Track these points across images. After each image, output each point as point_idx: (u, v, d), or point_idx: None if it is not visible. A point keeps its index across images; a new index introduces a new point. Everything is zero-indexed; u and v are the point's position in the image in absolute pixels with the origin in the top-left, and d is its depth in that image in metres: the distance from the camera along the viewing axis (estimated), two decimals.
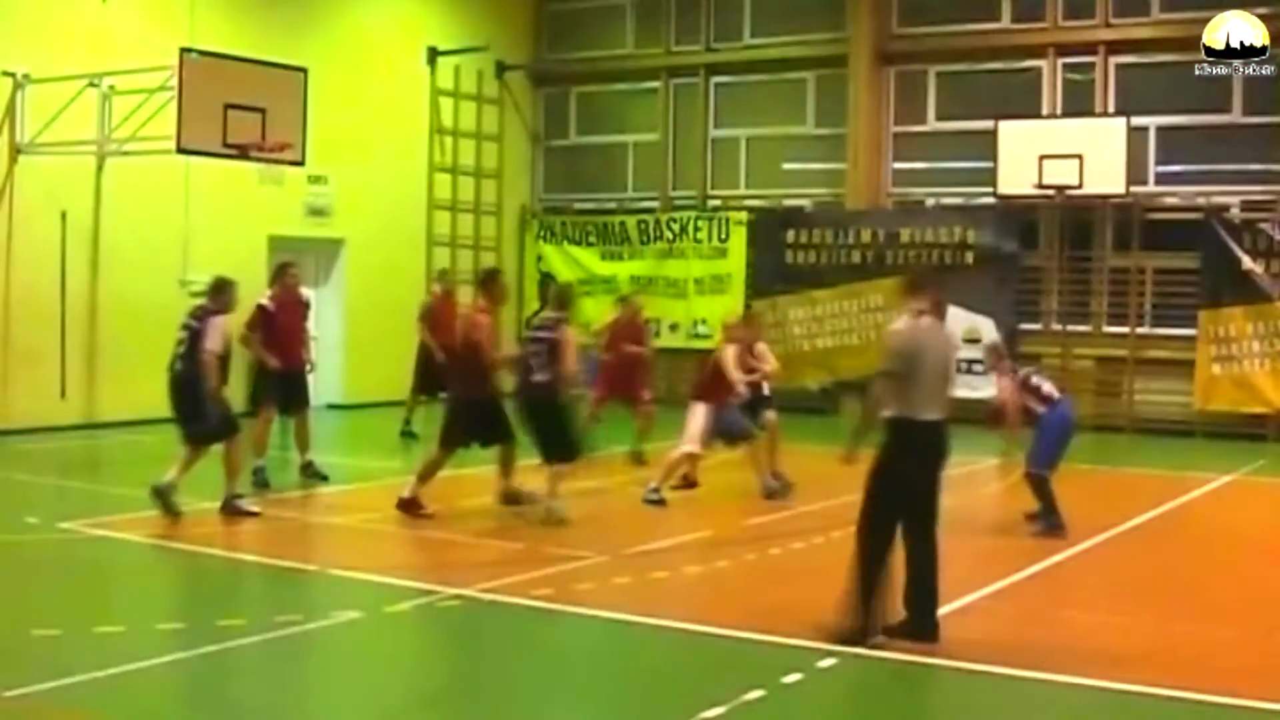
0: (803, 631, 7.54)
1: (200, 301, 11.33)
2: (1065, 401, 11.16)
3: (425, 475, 11.35)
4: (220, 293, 11.14)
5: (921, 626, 7.42)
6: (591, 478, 12.26)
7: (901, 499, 7.47)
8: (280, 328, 13.02)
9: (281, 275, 13.40)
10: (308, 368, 13.58)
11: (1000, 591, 8.97)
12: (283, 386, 13.01)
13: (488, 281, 12.04)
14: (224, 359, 10.98)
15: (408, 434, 16.62)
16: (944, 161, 20.88)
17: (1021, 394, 10.99)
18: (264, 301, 13.21)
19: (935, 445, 7.53)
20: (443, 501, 12.32)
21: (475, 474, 14.05)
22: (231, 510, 10.99)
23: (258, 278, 18.61)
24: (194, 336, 10.86)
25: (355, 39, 20.74)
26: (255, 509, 11.17)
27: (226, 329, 11.00)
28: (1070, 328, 19.67)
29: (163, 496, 10.54)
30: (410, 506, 11.19)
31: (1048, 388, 11.07)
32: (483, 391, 11.43)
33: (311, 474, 13.10)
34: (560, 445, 11.13)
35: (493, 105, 23.06)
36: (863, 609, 7.32)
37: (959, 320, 19.76)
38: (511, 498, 11.61)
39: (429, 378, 16.44)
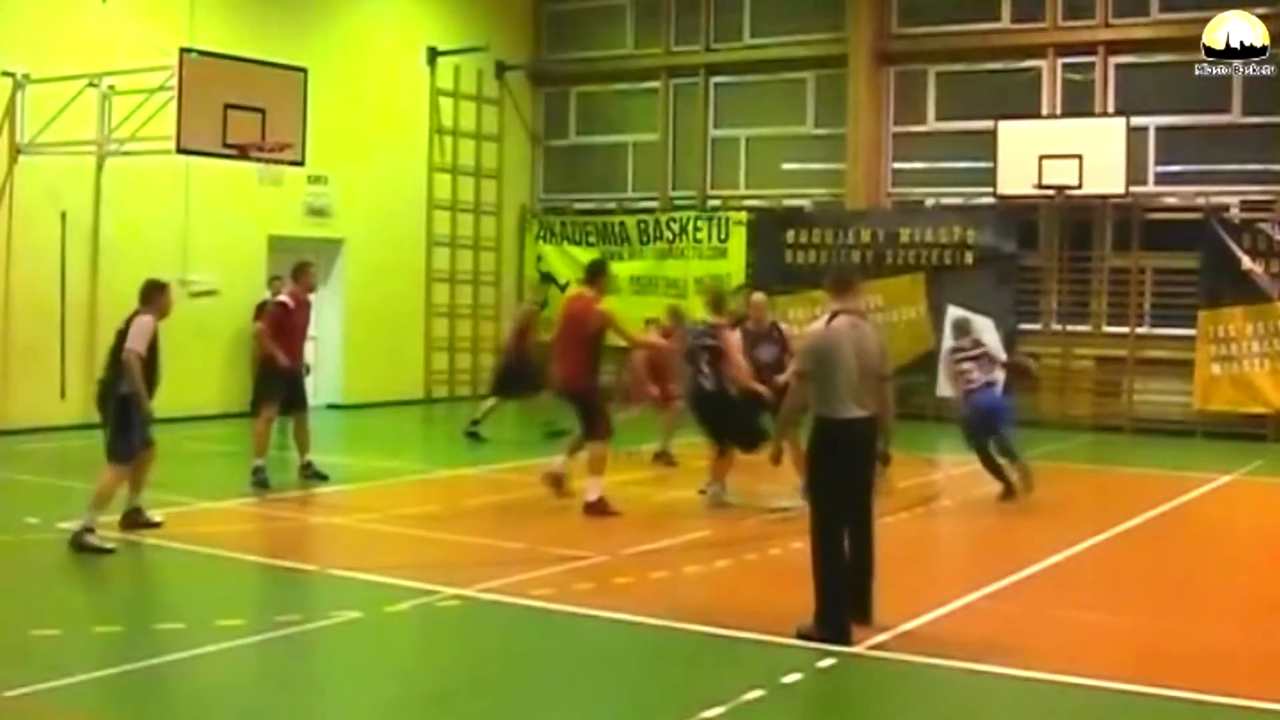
0: None
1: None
2: (984, 394, 12.57)
3: (596, 469, 11.60)
4: (154, 294, 10.34)
5: (834, 626, 7.59)
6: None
7: (838, 495, 7.72)
8: (293, 326, 13.08)
9: (303, 274, 13.35)
10: (306, 369, 13.60)
11: (1000, 591, 8.97)
12: (288, 386, 13.03)
13: (597, 273, 12.18)
14: (149, 364, 10.14)
15: (473, 434, 16.49)
16: (943, 161, 20.90)
17: (949, 367, 12.84)
18: (284, 299, 13.23)
19: (855, 441, 7.69)
20: (443, 501, 12.35)
21: (475, 474, 14.08)
22: (80, 543, 9.65)
23: (258, 277, 18.76)
24: (120, 339, 10.13)
25: (355, 39, 20.75)
26: (110, 545, 9.76)
27: (153, 331, 10.20)
28: (1070, 328, 19.68)
29: (133, 521, 10.28)
30: (598, 508, 11.40)
31: (968, 378, 12.56)
32: (581, 383, 11.66)
33: (311, 474, 13.08)
34: (740, 437, 11.71)
35: (493, 105, 23.07)
36: (832, 611, 7.49)
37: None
38: (555, 480, 11.84)
39: (521, 381, 16.57)
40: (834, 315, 7.77)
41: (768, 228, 21.31)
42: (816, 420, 7.70)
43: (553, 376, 12.35)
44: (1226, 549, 11.22)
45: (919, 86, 20.97)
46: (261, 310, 18.54)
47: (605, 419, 11.80)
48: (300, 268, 13.44)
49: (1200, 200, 18.97)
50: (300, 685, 7.07)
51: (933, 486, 13.64)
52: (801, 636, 7.43)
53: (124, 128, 16.02)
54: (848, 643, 7.37)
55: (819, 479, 7.77)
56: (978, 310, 19.53)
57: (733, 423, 11.82)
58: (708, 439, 12.26)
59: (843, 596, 7.54)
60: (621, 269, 22.12)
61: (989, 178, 19.66)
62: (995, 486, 12.66)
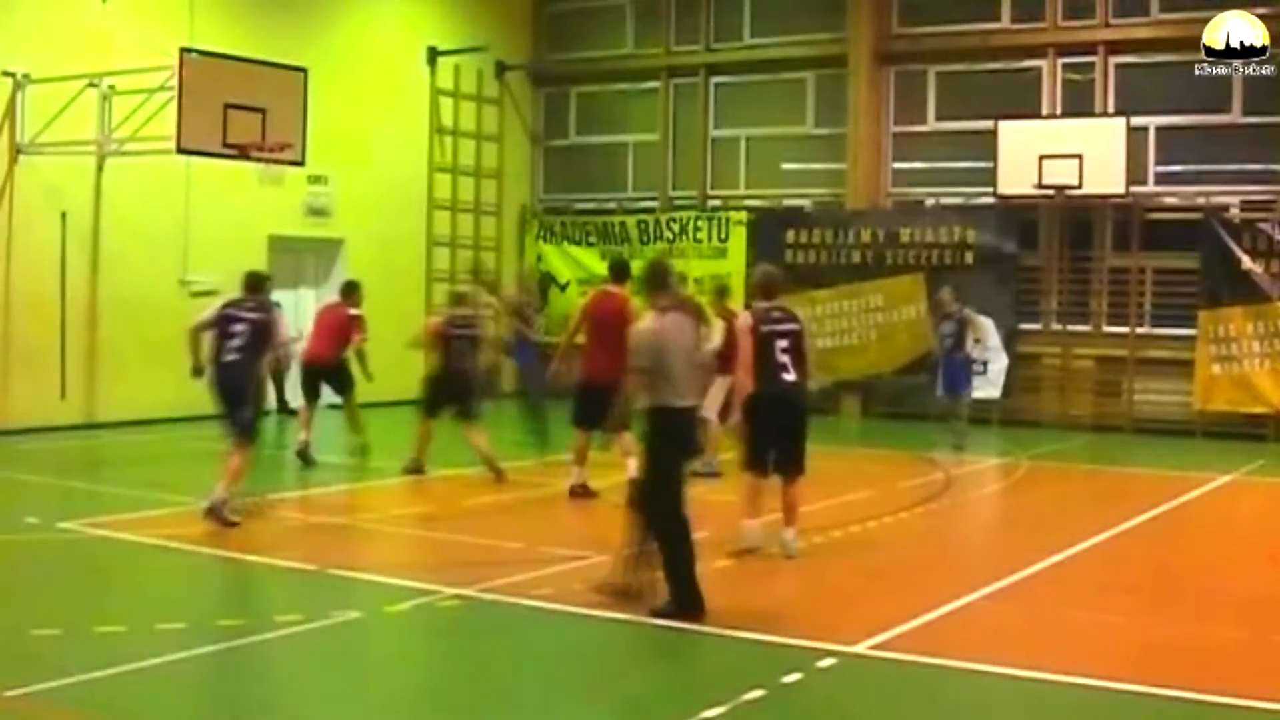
0: (803, 631, 7.58)
1: (228, 298, 11.13)
2: None
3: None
4: (264, 283, 11.32)
5: (685, 602, 7.87)
6: (591, 477, 12.26)
7: (675, 480, 8.08)
8: None
9: (353, 292, 14.81)
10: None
11: (1000, 591, 8.97)
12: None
13: (624, 271, 12.51)
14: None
15: None
16: (944, 161, 20.89)
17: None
18: (356, 312, 14.66)
19: (686, 429, 8.17)
20: (443, 501, 12.35)
21: (475, 474, 14.05)
22: (217, 516, 10.48)
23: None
24: (262, 328, 10.84)
25: (355, 39, 20.74)
26: (237, 519, 10.57)
27: None
28: (1070, 328, 19.68)
29: (216, 514, 10.44)
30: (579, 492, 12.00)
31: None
32: (616, 378, 11.59)
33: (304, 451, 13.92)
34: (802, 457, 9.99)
35: (493, 105, 23.07)
36: (684, 587, 7.87)
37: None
38: (583, 490, 12.13)
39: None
40: (662, 310, 8.12)
41: (768, 228, 21.30)
42: (652, 411, 7.99)
43: (583, 371, 12.31)
44: (1227, 549, 11.21)
45: (919, 86, 20.96)
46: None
47: (625, 411, 11.87)
48: (352, 286, 14.89)
49: (1200, 200, 18.97)
50: (300, 685, 7.07)
51: (933, 486, 13.63)
52: (657, 615, 7.79)
53: (124, 128, 16.01)
54: (702, 613, 7.76)
55: (661, 466, 8.05)
56: (977, 310, 19.57)
57: (804, 434, 10.07)
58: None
59: (691, 571, 7.90)
60: None
61: (989, 178, 19.66)
62: (993, 487, 12.67)
